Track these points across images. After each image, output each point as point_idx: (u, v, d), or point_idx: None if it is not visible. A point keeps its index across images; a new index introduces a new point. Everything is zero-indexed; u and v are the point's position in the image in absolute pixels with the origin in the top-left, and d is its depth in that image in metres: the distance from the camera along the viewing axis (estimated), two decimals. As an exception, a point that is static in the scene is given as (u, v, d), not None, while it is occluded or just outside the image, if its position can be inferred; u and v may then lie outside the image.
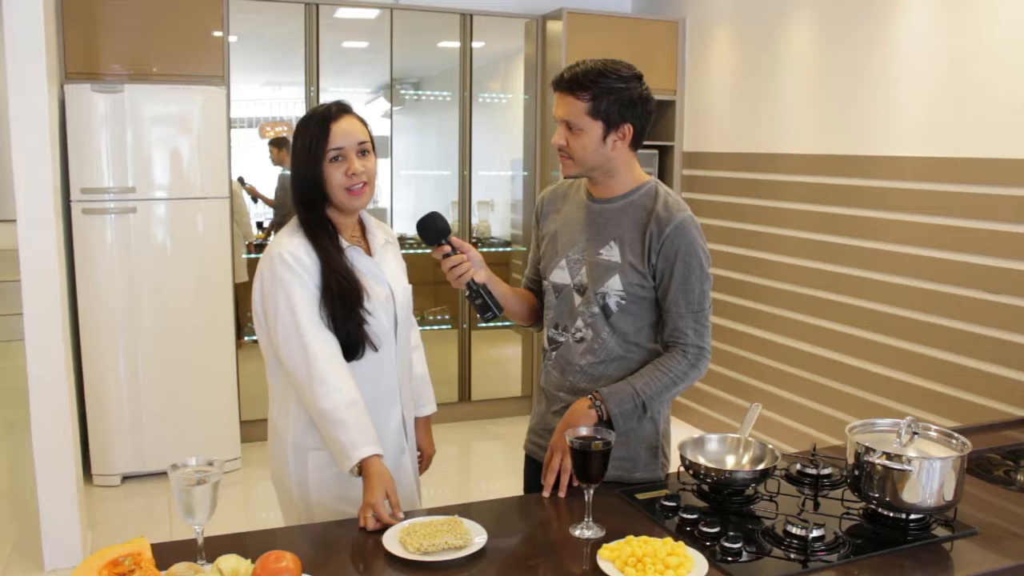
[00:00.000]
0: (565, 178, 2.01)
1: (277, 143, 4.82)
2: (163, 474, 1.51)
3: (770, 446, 1.80)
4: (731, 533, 1.54)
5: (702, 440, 1.87)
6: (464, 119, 4.95)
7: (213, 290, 4.13)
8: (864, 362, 3.78)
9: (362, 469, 1.71)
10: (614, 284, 1.86)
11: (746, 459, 1.82)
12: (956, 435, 1.70)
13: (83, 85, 3.82)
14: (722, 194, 4.67)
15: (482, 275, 1.86)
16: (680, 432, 2.07)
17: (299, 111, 4.71)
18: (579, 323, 1.92)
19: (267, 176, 4.92)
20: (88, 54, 3.99)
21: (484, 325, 5.11)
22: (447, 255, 1.83)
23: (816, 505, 1.75)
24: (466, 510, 1.69)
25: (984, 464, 2.03)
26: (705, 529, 1.58)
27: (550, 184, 2.12)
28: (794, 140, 4.16)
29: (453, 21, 4.84)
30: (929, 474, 1.58)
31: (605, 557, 1.47)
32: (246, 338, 4.59)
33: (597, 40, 4.75)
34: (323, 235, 1.84)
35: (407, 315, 2.02)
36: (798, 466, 1.88)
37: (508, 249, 5.27)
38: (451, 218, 5.01)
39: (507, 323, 5.05)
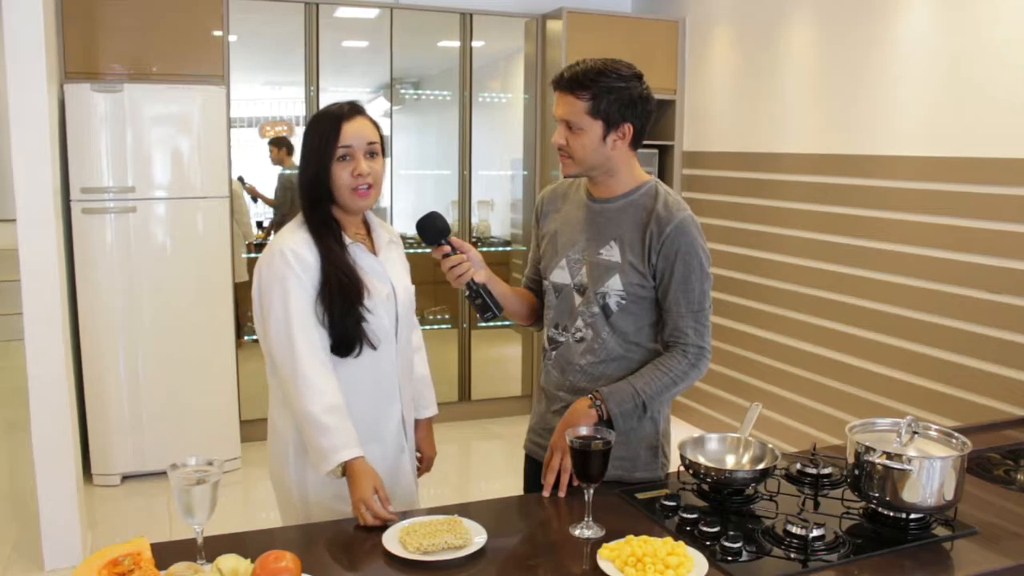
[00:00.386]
0: (565, 177, 2.01)
1: (277, 143, 4.82)
2: (163, 474, 1.51)
3: (770, 446, 1.80)
4: (731, 533, 1.54)
5: (702, 439, 1.87)
6: (464, 118, 4.95)
7: (213, 290, 4.13)
8: (864, 361, 3.78)
9: (346, 470, 1.73)
10: (614, 284, 1.86)
11: (746, 459, 1.82)
12: (956, 435, 1.70)
13: (83, 85, 3.82)
14: (722, 193, 4.67)
15: (482, 275, 1.86)
16: (680, 431, 2.07)
17: (299, 111, 4.71)
18: (579, 323, 1.91)
19: (267, 176, 4.92)
20: (88, 54, 3.99)
21: (484, 325, 5.11)
22: (447, 255, 1.83)
23: (816, 505, 1.75)
24: (466, 510, 1.69)
25: (984, 464, 2.03)
26: (705, 529, 1.58)
27: (550, 184, 2.12)
28: (794, 139, 4.16)
29: (453, 20, 4.84)
30: (929, 474, 1.58)
31: (605, 557, 1.46)
32: (246, 338, 4.59)
33: (597, 39, 4.75)
34: (327, 232, 1.85)
35: (408, 315, 2.01)
36: (798, 466, 1.88)
37: (508, 249, 5.27)
38: (451, 218, 5.01)
39: (507, 323, 5.05)
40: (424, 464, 2.19)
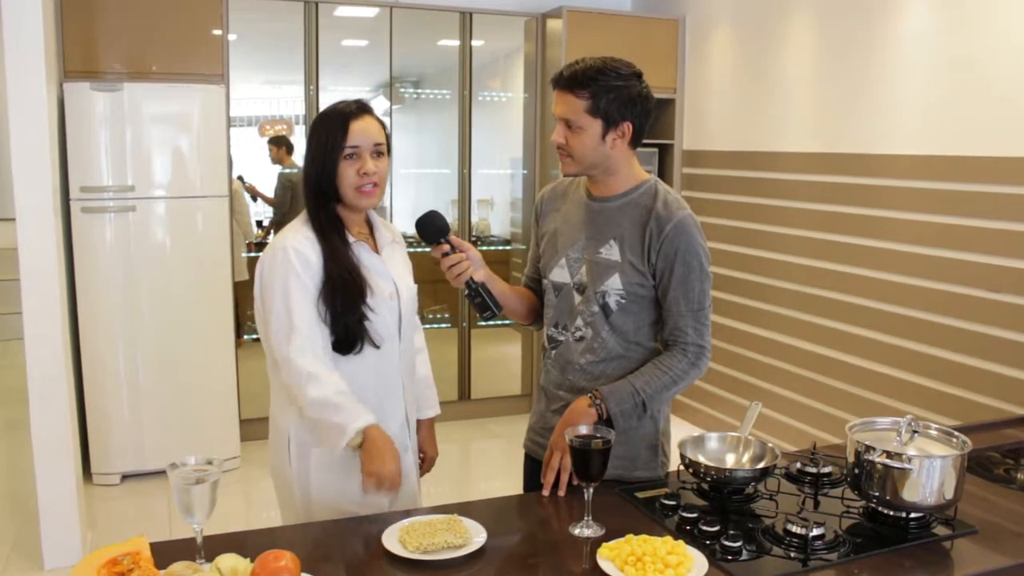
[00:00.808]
0: (565, 176, 2.00)
1: (276, 142, 4.82)
2: (163, 473, 1.51)
3: (770, 444, 1.80)
4: (731, 532, 1.54)
5: (702, 438, 1.87)
6: (464, 117, 4.95)
7: (213, 289, 4.13)
8: (864, 360, 3.78)
9: (364, 441, 1.72)
10: (614, 283, 1.86)
11: (746, 458, 1.82)
12: (956, 433, 1.70)
13: (82, 84, 3.82)
14: (722, 192, 4.66)
15: (481, 274, 1.86)
16: (680, 430, 2.07)
17: (298, 110, 4.71)
18: (579, 322, 1.91)
19: (266, 175, 4.91)
20: (87, 52, 3.99)
21: (484, 324, 5.11)
22: (446, 254, 1.83)
23: (816, 504, 1.75)
24: (466, 509, 1.69)
25: (984, 463, 2.03)
26: (705, 528, 1.58)
27: (550, 182, 2.12)
28: (794, 138, 4.15)
29: (453, 19, 4.83)
30: (929, 473, 1.58)
31: (605, 556, 1.46)
32: (246, 337, 4.59)
33: (597, 38, 4.75)
34: (331, 230, 1.85)
35: (411, 315, 2.02)
36: (798, 465, 1.88)
37: (508, 248, 5.27)
38: (451, 217, 5.00)
39: (507, 322, 5.05)
40: (426, 464, 2.19)
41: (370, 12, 4.71)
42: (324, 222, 1.85)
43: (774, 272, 4.30)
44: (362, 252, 1.89)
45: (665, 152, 5.06)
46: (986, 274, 3.22)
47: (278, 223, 4.92)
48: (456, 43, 4.88)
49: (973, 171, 3.25)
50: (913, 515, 1.63)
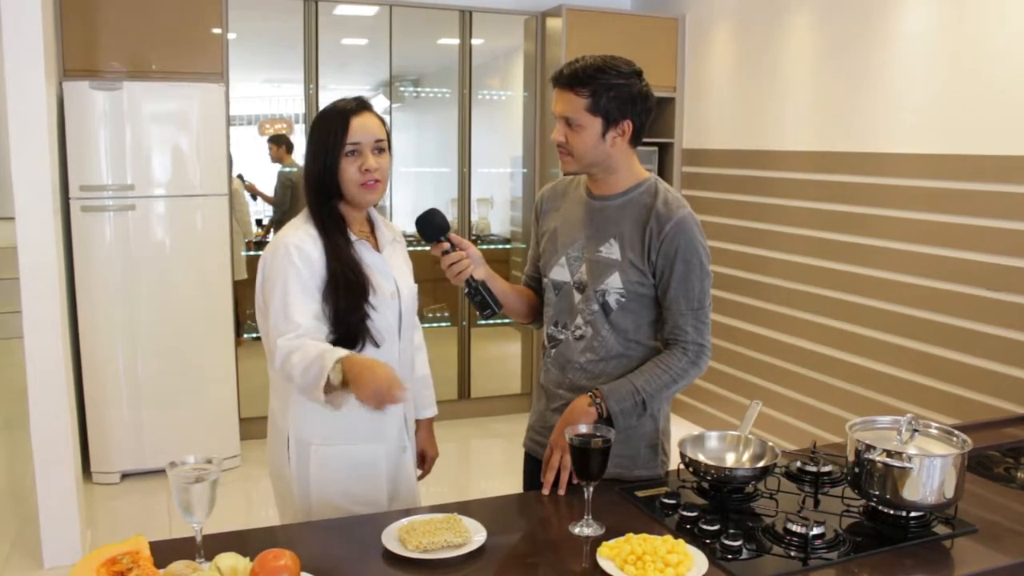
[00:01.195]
0: (564, 175, 2.00)
1: (276, 140, 4.82)
2: (162, 472, 1.51)
3: (770, 443, 1.80)
4: (731, 531, 1.54)
5: (702, 437, 1.86)
6: (463, 116, 4.95)
7: (212, 288, 4.12)
8: (864, 359, 3.78)
9: (346, 372, 1.60)
10: (614, 282, 1.86)
11: (746, 456, 1.82)
12: (956, 432, 1.70)
13: (82, 82, 3.82)
14: (722, 191, 4.66)
15: (481, 272, 1.86)
16: (680, 429, 2.07)
17: (298, 108, 4.71)
18: (579, 320, 1.91)
19: (266, 173, 4.91)
20: (87, 51, 3.98)
21: (483, 322, 5.11)
22: (446, 252, 1.83)
23: (816, 503, 1.75)
24: (465, 508, 1.68)
25: (984, 462, 2.03)
26: (705, 527, 1.58)
27: (549, 181, 2.12)
28: (794, 137, 4.15)
29: (452, 18, 4.83)
30: (929, 471, 1.58)
31: (605, 555, 1.46)
32: (245, 335, 4.59)
33: (597, 37, 4.74)
34: (333, 227, 1.84)
35: (412, 314, 2.01)
36: (798, 463, 1.88)
37: (507, 246, 5.26)
38: (450, 215, 5.00)
39: (506, 320, 5.05)
40: (426, 465, 2.19)
41: (370, 11, 4.71)
42: (326, 219, 1.85)
43: (774, 271, 4.30)
44: (364, 250, 1.88)
45: (665, 151, 5.06)
46: (986, 273, 3.22)
47: (278, 222, 4.92)
48: (456, 42, 4.88)
49: (973, 169, 3.25)
50: (913, 514, 1.63)
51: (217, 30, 4.17)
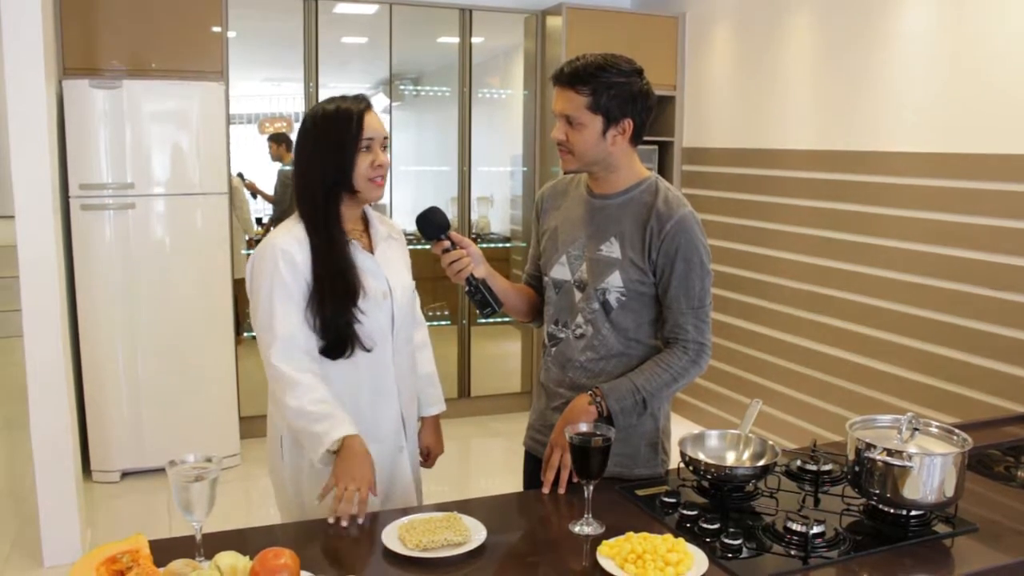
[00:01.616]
0: (565, 173, 2.00)
1: (276, 139, 4.82)
2: (162, 470, 1.51)
3: (770, 442, 1.80)
4: (731, 529, 1.54)
5: (702, 436, 1.86)
6: (463, 115, 4.95)
7: (212, 286, 4.12)
8: (865, 358, 3.78)
9: (340, 449, 1.72)
10: (614, 280, 1.85)
11: (746, 455, 1.82)
12: (957, 431, 1.70)
13: (81, 81, 3.81)
14: (722, 190, 4.66)
15: (481, 270, 1.86)
16: (680, 428, 2.07)
17: (298, 107, 4.71)
18: (579, 319, 1.91)
19: (266, 172, 4.91)
20: (87, 50, 3.98)
21: (484, 321, 5.11)
22: (446, 250, 1.83)
23: (816, 501, 1.75)
24: (465, 506, 1.68)
25: (985, 460, 2.03)
26: (705, 525, 1.58)
27: (550, 180, 2.12)
28: (794, 136, 4.15)
29: (452, 16, 4.83)
30: (930, 470, 1.58)
31: (605, 554, 1.46)
32: (245, 334, 4.58)
33: (597, 35, 4.74)
34: (332, 227, 1.83)
35: (408, 313, 2.00)
36: (798, 462, 1.87)
37: (507, 245, 5.26)
38: (450, 214, 5.00)
39: (506, 319, 5.05)
40: (430, 461, 2.18)
41: (370, 9, 4.71)
42: (327, 220, 1.83)
43: (774, 269, 4.30)
44: (354, 252, 1.87)
45: (665, 149, 5.06)
46: (986, 271, 3.21)
47: (277, 220, 4.92)
48: (456, 40, 4.88)
49: (973, 168, 3.24)
50: (913, 513, 1.63)
51: (217, 28, 4.17)
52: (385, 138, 1.87)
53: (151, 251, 3.99)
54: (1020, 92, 3.08)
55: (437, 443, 2.19)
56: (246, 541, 1.54)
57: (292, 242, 1.82)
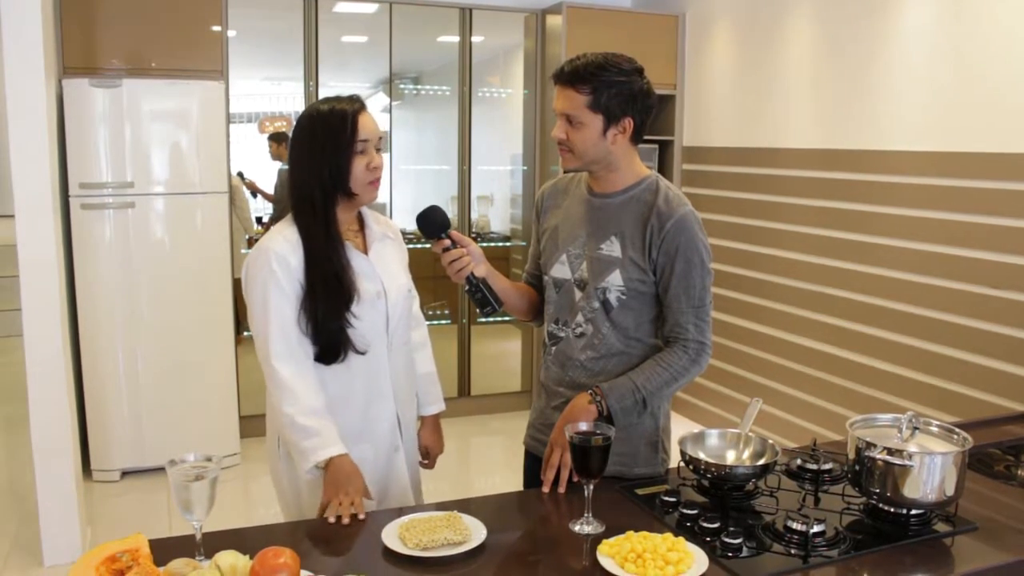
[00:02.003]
0: (565, 172, 2.00)
1: (276, 138, 4.82)
2: (162, 470, 1.51)
3: (770, 441, 1.80)
4: (731, 528, 1.54)
5: (702, 435, 1.86)
6: (463, 114, 4.94)
7: (212, 285, 4.12)
8: (865, 357, 3.78)
9: (327, 466, 1.76)
10: (615, 279, 1.85)
11: (746, 454, 1.82)
12: (957, 430, 1.70)
13: (81, 80, 3.81)
14: (722, 189, 4.66)
15: (482, 269, 1.86)
16: (680, 427, 2.07)
17: (298, 106, 4.70)
18: (579, 318, 1.91)
19: (266, 171, 4.91)
20: (86, 48, 3.98)
21: (484, 320, 5.11)
22: (447, 249, 1.83)
23: (817, 500, 1.75)
24: (465, 505, 1.68)
25: (985, 459, 2.03)
26: (705, 524, 1.58)
27: (550, 179, 2.11)
28: (795, 135, 4.15)
29: (452, 15, 4.83)
30: (930, 469, 1.58)
31: (605, 553, 1.46)
32: (245, 333, 4.58)
33: (597, 34, 4.74)
34: (326, 230, 1.83)
35: (405, 313, 1.99)
36: (799, 461, 1.87)
37: (507, 244, 5.26)
38: (451, 213, 5.00)
39: (507, 318, 5.05)
40: (430, 461, 2.18)
41: (370, 8, 4.70)
42: (325, 222, 1.83)
43: (774, 269, 4.29)
44: (347, 253, 1.87)
45: (665, 148, 5.06)
46: (986, 270, 3.21)
47: (277, 219, 4.90)
48: (456, 39, 4.87)
49: (974, 167, 3.24)
50: (914, 512, 1.63)
51: (217, 27, 4.17)
52: (380, 138, 1.86)
53: (151, 250, 3.99)
54: (1020, 92, 3.07)
55: (437, 442, 2.19)
56: (246, 541, 1.54)
57: (285, 245, 1.82)
